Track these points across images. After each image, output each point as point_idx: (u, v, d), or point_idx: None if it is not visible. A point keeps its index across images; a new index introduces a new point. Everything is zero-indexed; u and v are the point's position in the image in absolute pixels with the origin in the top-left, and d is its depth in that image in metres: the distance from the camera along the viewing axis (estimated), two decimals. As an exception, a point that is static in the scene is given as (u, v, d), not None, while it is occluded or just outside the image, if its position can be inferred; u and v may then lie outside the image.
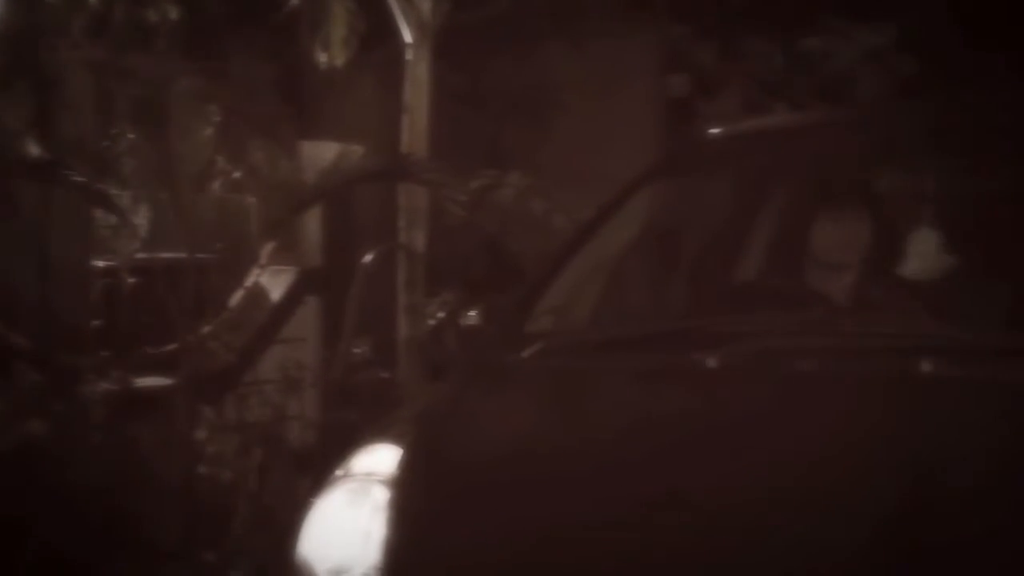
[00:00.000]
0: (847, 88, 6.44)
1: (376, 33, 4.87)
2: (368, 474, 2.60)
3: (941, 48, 6.60)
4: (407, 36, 4.86)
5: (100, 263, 4.59)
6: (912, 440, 2.36)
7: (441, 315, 3.34)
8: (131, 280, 4.44)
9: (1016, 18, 6.39)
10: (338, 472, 2.65)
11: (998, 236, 3.32)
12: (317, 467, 2.84)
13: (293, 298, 5.03)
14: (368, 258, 4.73)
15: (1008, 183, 3.31)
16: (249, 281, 4.62)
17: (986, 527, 2.12)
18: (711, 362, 2.66)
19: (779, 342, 2.74)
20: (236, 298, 4.58)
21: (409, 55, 4.85)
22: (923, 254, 3.48)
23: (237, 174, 4.64)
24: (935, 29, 6.69)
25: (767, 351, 2.70)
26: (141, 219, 4.59)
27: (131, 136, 4.44)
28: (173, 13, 4.33)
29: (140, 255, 4.60)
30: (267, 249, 4.65)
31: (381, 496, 2.54)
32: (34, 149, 4.20)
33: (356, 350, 4.94)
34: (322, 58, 4.71)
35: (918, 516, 2.18)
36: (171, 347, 4.33)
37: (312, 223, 5.42)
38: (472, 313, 3.24)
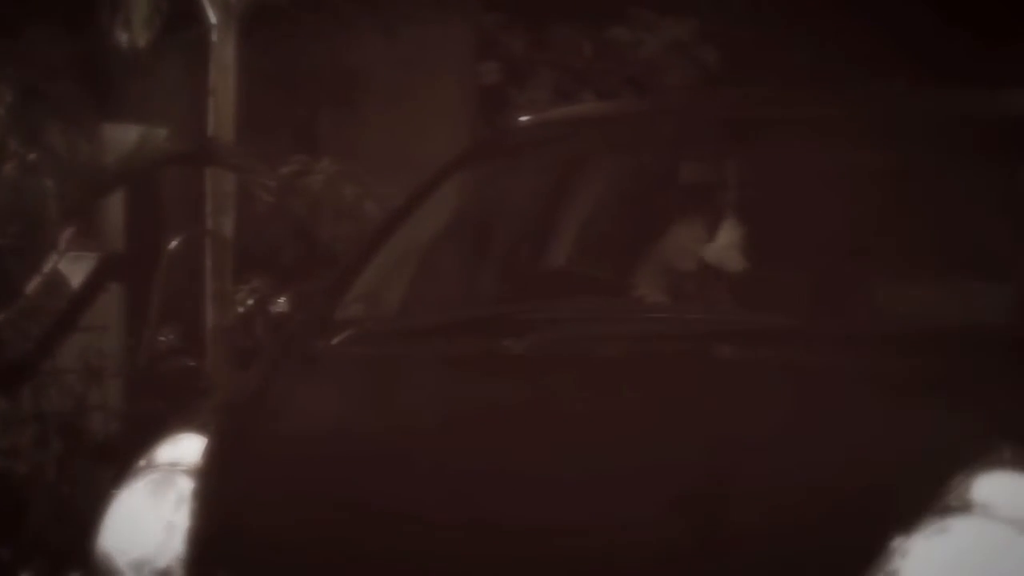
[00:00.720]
0: (653, 77, 6.58)
1: (180, 13, 4.77)
2: (172, 464, 2.55)
3: (740, 40, 6.82)
4: (212, 17, 4.77)
5: None
6: (711, 421, 2.42)
7: (250, 302, 3.29)
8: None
9: (811, 11, 6.63)
10: (141, 463, 2.59)
11: (801, 224, 3.43)
12: (120, 458, 2.77)
13: (94, 285, 4.88)
14: (174, 244, 4.63)
15: (811, 171, 3.42)
16: (47, 267, 4.47)
17: (781, 504, 2.19)
18: (518, 348, 2.68)
19: (584, 328, 2.79)
20: (33, 285, 4.43)
21: (214, 37, 4.76)
22: (728, 242, 3.57)
23: (32, 156, 4.48)
24: (734, 22, 6.90)
25: (573, 337, 2.74)
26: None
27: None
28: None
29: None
30: (66, 234, 4.50)
31: (185, 486, 2.49)
32: None
33: (162, 338, 4.83)
34: (123, 38, 4.58)
35: (717, 495, 2.24)
36: (-37, 336, 4.17)
37: (114, 208, 5.29)
38: (281, 300, 3.21)
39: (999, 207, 3.03)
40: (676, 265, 3.58)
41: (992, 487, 2.13)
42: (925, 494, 2.12)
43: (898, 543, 2.07)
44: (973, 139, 3.08)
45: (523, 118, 3.87)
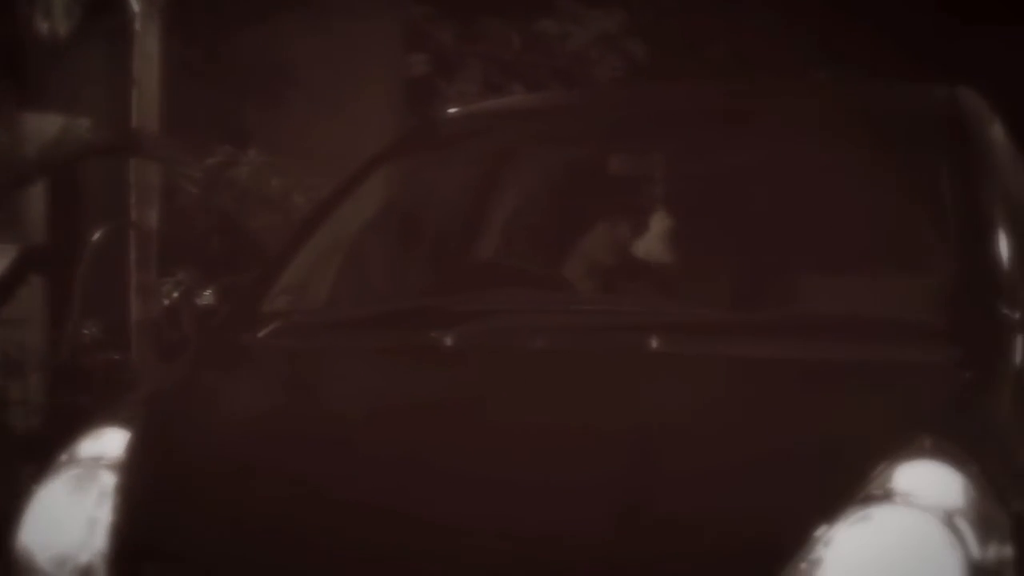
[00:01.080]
0: (582, 70, 6.60)
1: (102, 2, 4.71)
2: (95, 459, 2.51)
3: (668, 33, 6.87)
4: (134, 5, 4.71)
5: None
6: (638, 413, 2.44)
7: (175, 295, 3.25)
8: None
9: (738, 2, 6.70)
10: (63, 457, 2.55)
11: (726, 217, 3.45)
12: (42, 453, 2.73)
13: (15, 277, 4.82)
14: (97, 236, 4.57)
15: (736, 164, 3.45)
16: (-34, 260, 4.40)
17: (707, 493, 2.21)
18: (447, 340, 2.68)
19: (514, 320, 2.79)
20: (-50, 278, 4.36)
21: (137, 25, 4.71)
22: (655, 235, 3.59)
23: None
24: (662, 14, 6.95)
25: (502, 329, 2.74)
26: None
27: None
28: None
29: None
30: (-14, 226, 4.43)
31: (109, 481, 2.46)
32: None
33: (85, 331, 4.77)
34: (44, 27, 4.51)
35: (643, 486, 2.25)
36: None
37: (36, 199, 5.21)
38: (207, 292, 3.18)
39: (919, 200, 3.07)
40: (601, 258, 3.61)
41: (913, 476, 2.16)
42: (848, 483, 2.15)
43: (822, 532, 2.10)
44: (896, 133, 3.13)
45: (451, 110, 3.86)
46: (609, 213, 3.67)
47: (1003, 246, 2.74)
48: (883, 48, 6.64)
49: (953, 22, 7.23)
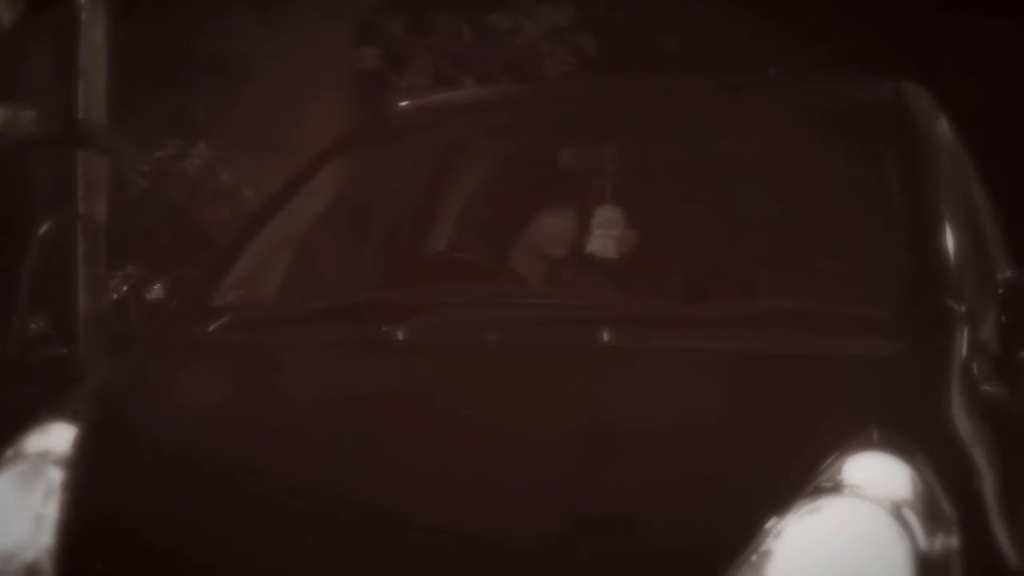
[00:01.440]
0: (532, 63, 6.61)
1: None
2: (42, 454, 2.49)
3: (618, 27, 6.89)
4: (80, -5, 4.68)
5: None
6: (587, 406, 2.44)
7: (124, 288, 3.22)
8: None
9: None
10: (9, 453, 2.53)
11: (673, 211, 3.47)
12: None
13: (-40, 271, 4.76)
14: (44, 229, 4.53)
15: (684, 158, 3.47)
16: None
17: (657, 486, 2.22)
18: (398, 334, 2.67)
19: (465, 313, 2.79)
20: None
21: (84, 16, 4.66)
22: (607, 230, 3.60)
23: None
24: (612, 8, 6.97)
25: (453, 322, 2.74)
26: None
27: None
28: None
29: None
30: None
31: (56, 477, 2.43)
32: None
33: (32, 325, 4.73)
34: (-12, 17, 4.46)
35: (593, 479, 2.26)
36: None
37: (-20, 192, 5.14)
38: (156, 286, 3.15)
39: (866, 194, 3.10)
40: (547, 251, 3.61)
41: (861, 468, 2.18)
42: (798, 476, 2.16)
43: (772, 524, 2.11)
44: (842, 128, 3.16)
45: (403, 103, 3.85)
46: (557, 206, 3.67)
47: (948, 239, 2.77)
48: (838, 40, 6.69)
49: (915, 9, 7.28)
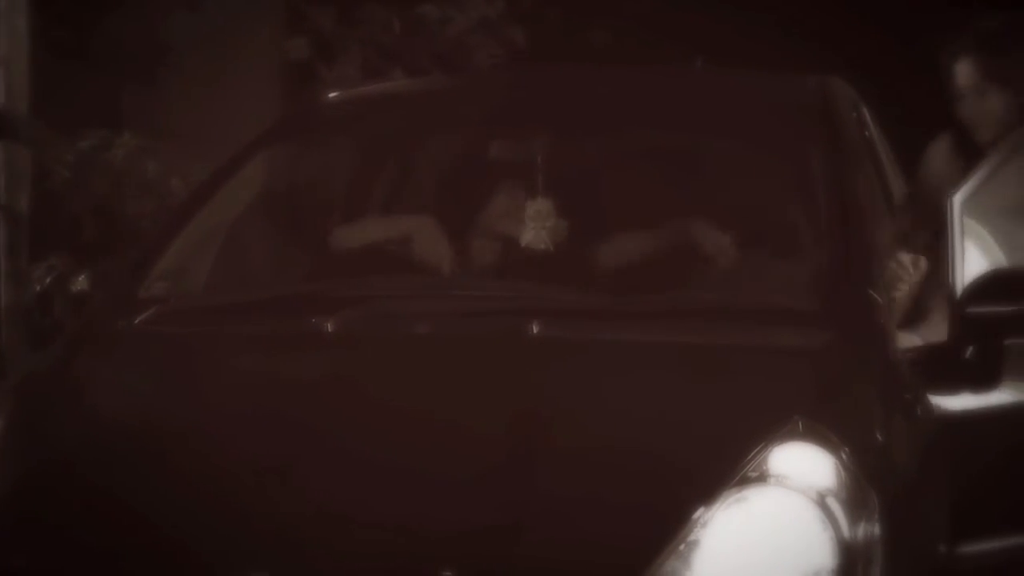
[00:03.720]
0: (462, 55, 6.60)
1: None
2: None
3: (547, 19, 6.91)
4: (0, -19, 4.60)
5: None
6: (517, 397, 2.45)
7: (47, 280, 3.18)
8: None
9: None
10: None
11: (603, 202, 3.48)
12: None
13: None
14: (-36, 221, 4.45)
15: (611, 150, 3.49)
16: None
17: (585, 478, 2.23)
18: (327, 326, 2.66)
19: (394, 306, 2.78)
20: None
21: (4, 3, 4.58)
22: (539, 223, 3.61)
23: None
24: (542, 2, 6.99)
25: (382, 315, 2.73)
26: None
27: None
28: None
29: None
30: None
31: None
32: None
33: (-48, 318, 4.65)
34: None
35: (521, 472, 2.27)
36: None
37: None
38: (81, 278, 3.11)
39: (790, 188, 3.14)
40: (502, 230, 3.60)
41: (787, 458, 2.21)
42: (724, 466, 2.19)
43: (699, 514, 2.14)
44: (767, 122, 3.19)
45: (332, 94, 3.83)
46: (498, 187, 3.66)
47: (870, 232, 2.81)
48: (764, 37, 6.75)
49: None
